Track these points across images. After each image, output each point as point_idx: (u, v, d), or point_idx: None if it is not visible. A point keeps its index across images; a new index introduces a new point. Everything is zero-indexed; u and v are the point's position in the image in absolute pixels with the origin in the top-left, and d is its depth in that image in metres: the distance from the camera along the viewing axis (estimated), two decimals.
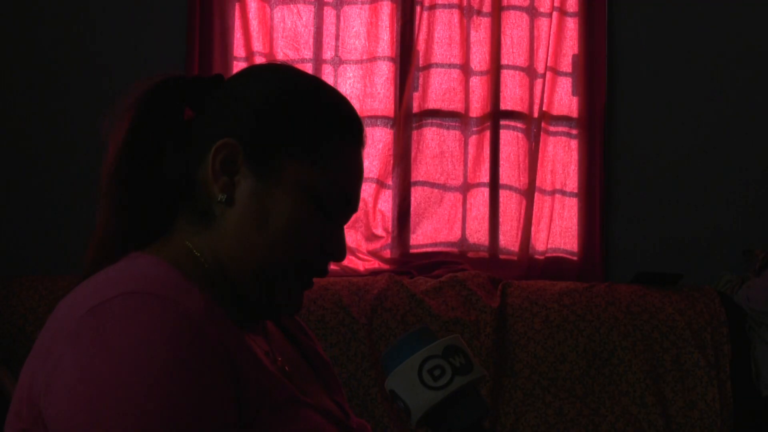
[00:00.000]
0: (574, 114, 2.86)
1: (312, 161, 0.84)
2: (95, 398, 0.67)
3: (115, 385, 0.67)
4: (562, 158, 2.86)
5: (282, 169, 0.83)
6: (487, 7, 2.86)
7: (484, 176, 2.84)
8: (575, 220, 2.85)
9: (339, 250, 0.89)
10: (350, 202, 0.89)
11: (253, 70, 0.93)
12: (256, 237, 0.82)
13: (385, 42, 2.85)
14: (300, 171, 0.84)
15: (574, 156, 2.86)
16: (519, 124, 2.86)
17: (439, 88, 2.85)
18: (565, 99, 2.87)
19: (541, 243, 2.82)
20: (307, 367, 0.97)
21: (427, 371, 0.82)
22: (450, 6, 2.85)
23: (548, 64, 2.81)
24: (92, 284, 0.77)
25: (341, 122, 0.88)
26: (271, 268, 0.83)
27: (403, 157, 2.84)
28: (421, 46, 2.85)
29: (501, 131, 2.84)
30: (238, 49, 2.87)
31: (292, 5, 2.87)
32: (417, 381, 0.81)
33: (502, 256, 2.84)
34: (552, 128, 2.86)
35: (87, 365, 0.69)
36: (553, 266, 2.81)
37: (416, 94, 2.87)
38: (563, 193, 2.86)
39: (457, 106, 2.84)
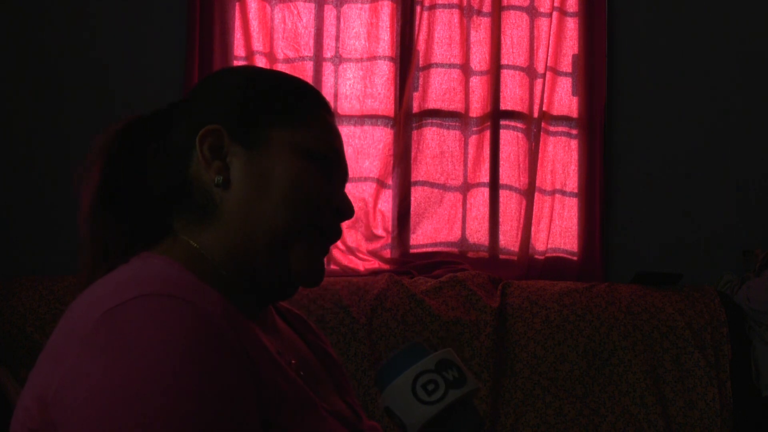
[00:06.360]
0: (574, 114, 2.86)
1: (294, 124, 0.88)
2: (117, 403, 0.66)
3: (137, 389, 0.66)
4: (562, 158, 2.86)
5: (268, 138, 0.86)
6: (487, 7, 2.86)
7: (484, 176, 2.84)
8: (575, 220, 2.85)
9: (346, 207, 0.91)
10: (339, 159, 0.92)
11: (208, 76, 0.97)
12: (262, 204, 0.84)
13: (385, 42, 2.85)
14: (285, 135, 0.87)
15: (574, 156, 2.86)
16: (519, 124, 2.86)
17: (439, 88, 2.85)
18: (565, 99, 2.87)
19: (541, 243, 2.82)
20: (320, 367, 0.97)
21: (421, 386, 0.81)
22: (450, 6, 2.85)
23: (548, 64, 2.81)
24: (107, 284, 0.76)
25: (308, 90, 0.93)
26: (283, 232, 0.84)
27: (403, 157, 2.84)
28: (421, 46, 2.85)
29: (501, 131, 2.84)
30: (238, 49, 2.87)
31: (292, 5, 2.87)
32: (411, 396, 0.81)
33: (502, 256, 2.84)
34: (552, 128, 2.86)
35: (106, 369, 0.68)
36: (553, 266, 2.81)
37: (416, 94, 2.87)
38: (563, 193, 2.86)
39: (457, 106, 2.84)
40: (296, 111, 0.89)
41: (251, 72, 0.94)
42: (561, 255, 2.85)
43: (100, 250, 0.87)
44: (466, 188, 2.86)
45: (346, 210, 0.90)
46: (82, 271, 0.87)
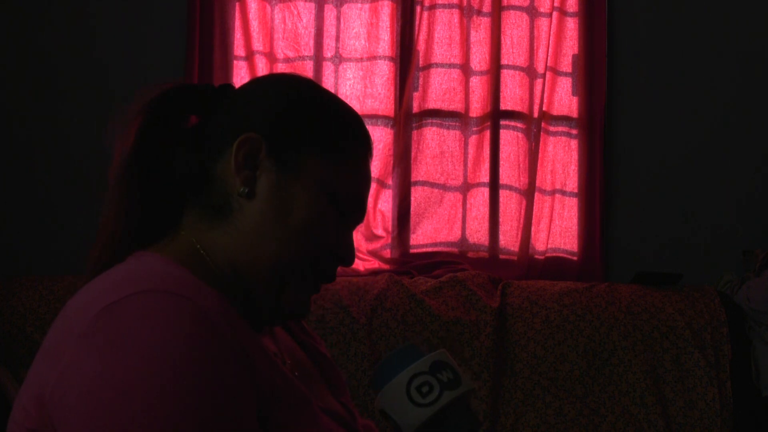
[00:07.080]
0: (574, 114, 2.86)
1: (332, 159, 0.86)
2: (115, 400, 0.66)
3: (135, 386, 0.66)
4: (562, 158, 2.86)
5: (303, 165, 0.85)
6: (487, 7, 2.86)
7: (484, 176, 2.84)
8: (575, 220, 2.85)
9: (349, 254, 0.90)
10: (361, 206, 0.91)
11: (269, 76, 0.96)
12: (275, 230, 0.83)
13: (385, 42, 2.85)
14: (320, 168, 0.85)
15: (574, 156, 2.86)
16: (519, 124, 2.86)
17: (439, 88, 2.85)
18: (565, 99, 2.87)
19: (541, 243, 2.82)
20: (313, 367, 0.97)
21: (415, 388, 0.81)
22: (450, 6, 2.85)
23: (548, 64, 2.81)
24: (102, 283, 0.75)
25: (357, 128, 0.91)
26: (286, 264, 0.84)
27: (403, 157, 2.84)
28: (421, 46, 2.85)
29: (501, 131, 2.84)
30: (238, 49, 2.87)
31: (292, 5, 2.87)
32: (405, 399, 0.81)
33: (502, 256, 2.84)
34: (552, 128, 2.86)
35: (104, 367, 0.67)
36: (553, 266, 2.81)
37: (416, 94, 2.87)
38: (563, 193, 2.86)
39: (457, 106, 2.84)
40: (342, 150, 0.88)
41: (312, 92, 0.90)
42: (561, 255, 2.85)
43: (127, 210, 0.85)
44: (466, 188, 2.86)
45: (348, 258, 0.90)
46: (102, 234, 0.85)
